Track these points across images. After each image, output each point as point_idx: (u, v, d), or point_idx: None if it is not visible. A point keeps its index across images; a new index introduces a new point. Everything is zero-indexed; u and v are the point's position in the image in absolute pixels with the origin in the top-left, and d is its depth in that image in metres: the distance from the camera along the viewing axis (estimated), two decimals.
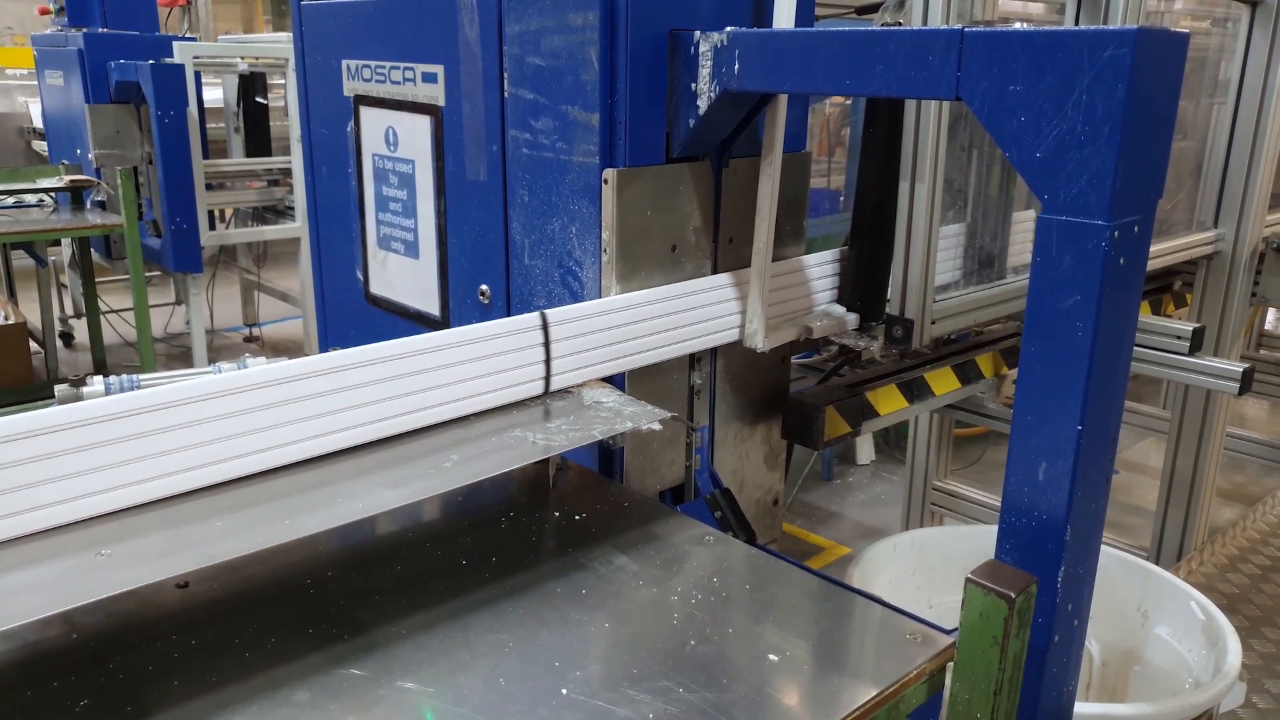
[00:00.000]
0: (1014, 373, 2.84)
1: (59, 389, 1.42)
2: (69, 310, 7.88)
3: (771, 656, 1.38)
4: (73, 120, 6.31)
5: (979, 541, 2.78)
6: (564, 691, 1.29)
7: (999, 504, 3.81)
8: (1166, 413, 3.92)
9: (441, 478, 1.51)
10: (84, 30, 6.22)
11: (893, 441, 6.10)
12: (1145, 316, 2.74)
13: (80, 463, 1.30)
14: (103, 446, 1.31)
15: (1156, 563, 3.55)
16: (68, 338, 7.89)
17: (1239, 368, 2.58)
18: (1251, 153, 3.25)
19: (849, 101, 6.52)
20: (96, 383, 1.43)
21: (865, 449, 5.97)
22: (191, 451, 1.39)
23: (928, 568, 2.78)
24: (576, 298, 1.98)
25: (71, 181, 5.72)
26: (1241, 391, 2.57)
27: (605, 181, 1.86)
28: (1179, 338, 2.60)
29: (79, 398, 1.40)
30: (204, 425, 1.39)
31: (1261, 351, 5.39)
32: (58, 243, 7.16)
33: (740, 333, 2.07)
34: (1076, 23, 2.59)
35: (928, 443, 3.91)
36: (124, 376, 1.45)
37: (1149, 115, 1.33)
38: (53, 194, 5.80)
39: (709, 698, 1.28)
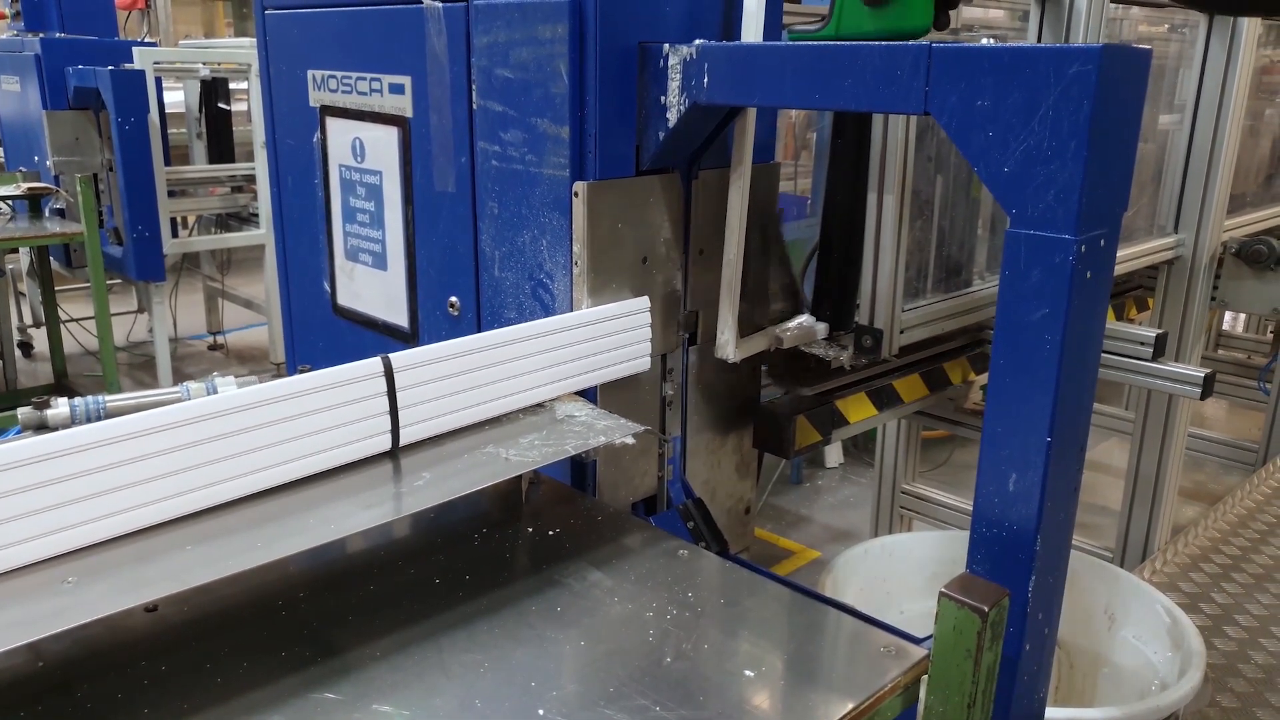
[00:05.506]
0: (981, 378, 2.87)
1: (21, 412, 1.39)
2: (28, 319, 7.73)
3: (747, 672, 1.39)
4: (30, 127, 6.20)
5: (950, 547, 2.80)
6: (540, 712, 1.29)
7: (967, 507, 3.85)
8: (1129, 413, 3.97)
9: (415, 497, 1.50)
10: (41, 35, 6.11)
11: (861, 444, 6.13)
12: (1108, 322, 2.77)
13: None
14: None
15: (1122, 562, 3.61)
16: (26, 347, 7.75)
17: (1201, 373, 2.62)
18: (1210, 158, 3.30)
19: None
20: (61, 405, 1.41)
21: (834, 452, 6.00)
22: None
23: (899, 573, 2.79)
24: (548, 310, 1.98)
25: (29, 189, 5.60)
26: (1204, 396, 2.60)
27: (575, 194, 1.86)
28: (1142, 344, 2.63)
29: (44, 421, 1.37)
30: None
31: (1220, 351, 5.49)
32: (15, 251, 7.03)
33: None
34: (1040, 28, 2.62)
35: (896, 446, 3.94)
36: (89, 398, 1.42)
37: (1114, 130, 1.35)
38: (10, 202, 5.70)
39: (686, 715, 1.28)
